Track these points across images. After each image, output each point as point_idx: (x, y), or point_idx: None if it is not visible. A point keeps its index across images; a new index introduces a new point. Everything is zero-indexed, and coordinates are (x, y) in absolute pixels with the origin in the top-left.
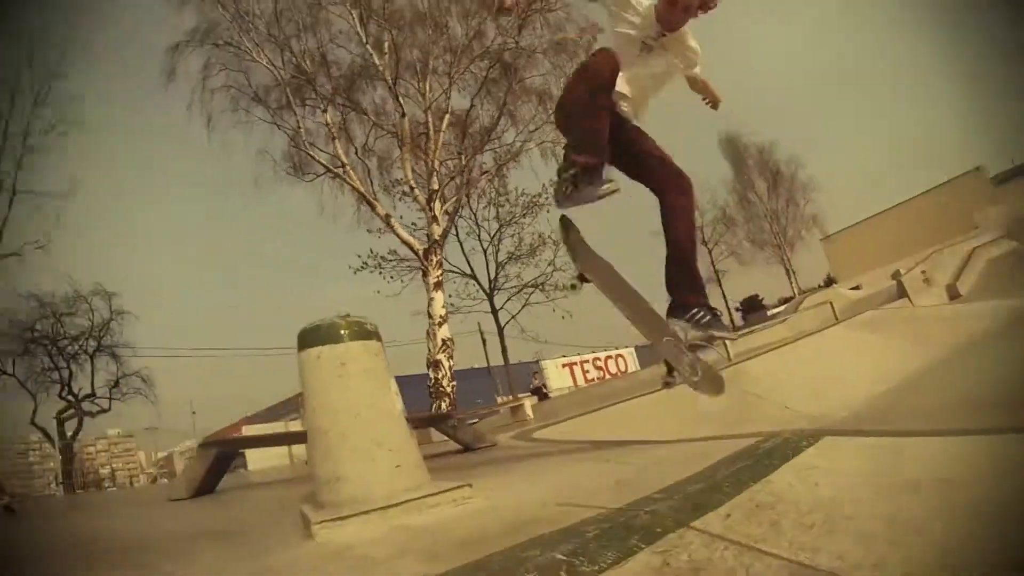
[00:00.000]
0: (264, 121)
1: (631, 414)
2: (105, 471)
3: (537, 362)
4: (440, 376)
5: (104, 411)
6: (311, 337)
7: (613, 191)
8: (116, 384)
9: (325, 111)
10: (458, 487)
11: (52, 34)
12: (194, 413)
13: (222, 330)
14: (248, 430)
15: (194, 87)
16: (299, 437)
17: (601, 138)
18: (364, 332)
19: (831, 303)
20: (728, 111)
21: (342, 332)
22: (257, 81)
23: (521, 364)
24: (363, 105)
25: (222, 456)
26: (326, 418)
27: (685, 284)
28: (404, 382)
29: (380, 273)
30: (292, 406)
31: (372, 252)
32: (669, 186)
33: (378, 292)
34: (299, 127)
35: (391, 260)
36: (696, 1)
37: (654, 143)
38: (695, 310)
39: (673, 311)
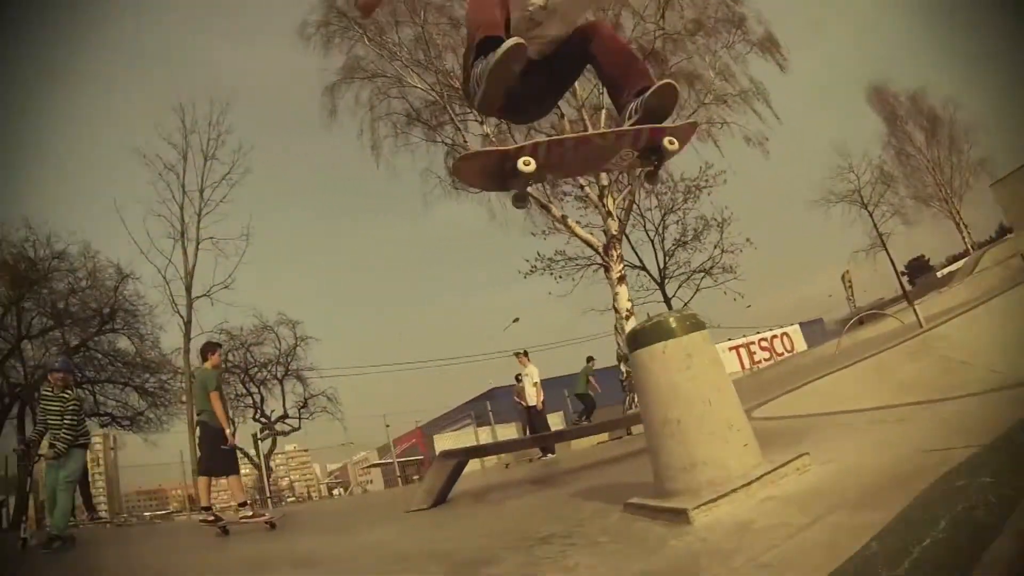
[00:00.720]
0: (426, 141)
1: (836, 388)
2: (284, 483)
3: None
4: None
5: (295, 430)
6: (652, 334)
7: None
8: (304, 404)
9: (482, 122)
10: (797, 457)
11: (216, 94)
12: (388, 426)
13: (398, 346)
14: (441, 440)
15: (360, 118)
16: (551, 438)
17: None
18: (700, 324)
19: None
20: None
21: (685, 325)
22: (412, 104)
23: None
24: None
25: (459, 465)
26: (678, 408)
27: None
28: (599, 375)
29: (551, 274)
30: (466, 412)
31: (539, 255)
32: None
33: (550, 293)
34: (464, 140)
35: (559, 261)
36: None
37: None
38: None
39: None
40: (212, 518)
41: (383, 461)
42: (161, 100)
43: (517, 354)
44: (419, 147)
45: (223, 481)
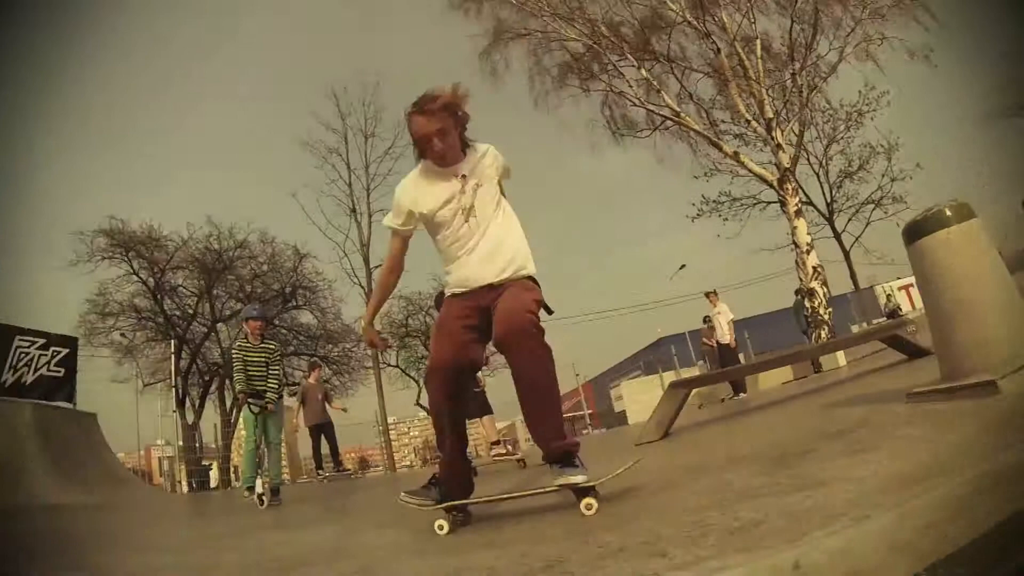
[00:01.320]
0: (582, 91)
1: None
2: None
3: (871, 288)
4: (816, 304)
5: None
6: (934, 222)
7: None
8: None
9: (639, 67)
10: None
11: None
12: (577, 375)
13: (572, 298)
14: (627, 388)
15: (516, 75)
16: (792, 357)
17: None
18: (972, 212)
19: None
20: None
21: (962, 212)
22: (566, 55)
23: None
24: (668, 54)
25: (685, 397)
26: (968, 289)
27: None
28: (767, 320)
29: (719, 216)
30: (636, 362)
31: (704, 198)
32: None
33: (718, 236)
34: (631, 86)
35: (723, 202)
36: (433, 126)
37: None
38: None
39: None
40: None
41: None
42: (316, 88)
43: (707, 294)
44: (581, 99)
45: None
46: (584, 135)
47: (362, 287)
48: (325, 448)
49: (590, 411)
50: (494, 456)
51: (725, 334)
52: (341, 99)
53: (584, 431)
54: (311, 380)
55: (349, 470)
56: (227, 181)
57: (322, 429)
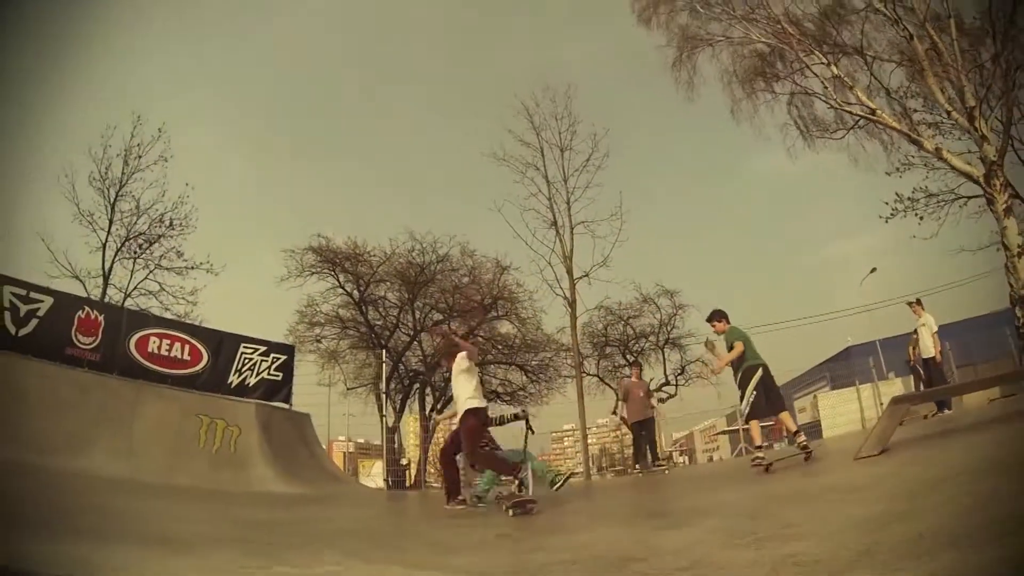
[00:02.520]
0: (768, 92)
1: None
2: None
3: None
4: None
5: (671, 397)
6: None
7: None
8: (682, 371)
9: (829, 64)
10: None
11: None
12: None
13: (756, 304)
14: (823, 399)
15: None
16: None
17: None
18: None
19: None
20: None
21: None
22: (749, 62)
23: None
24: (859, 46)
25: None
26: None
27: None
28: (968, 326)
29: (915, 214)
30: (820, 373)
31: (899, 195)
32: None
33: (913, 237)
34: (823, 84)
35: (919, 199)
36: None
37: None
38: None
39: None
40: (762, 456)
41: (732, 428)
42: (506, 105)
43: (911, 303)
44: (775, 104)
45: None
46: (778, 139)
47: (565, 298)
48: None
49: (771, 422)
50: (801, 446)
51: (930, 348)
52: (534, 114)
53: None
54: (633, 378)
55: (664, 465)
56: (427, 196)
57: (643, 425)
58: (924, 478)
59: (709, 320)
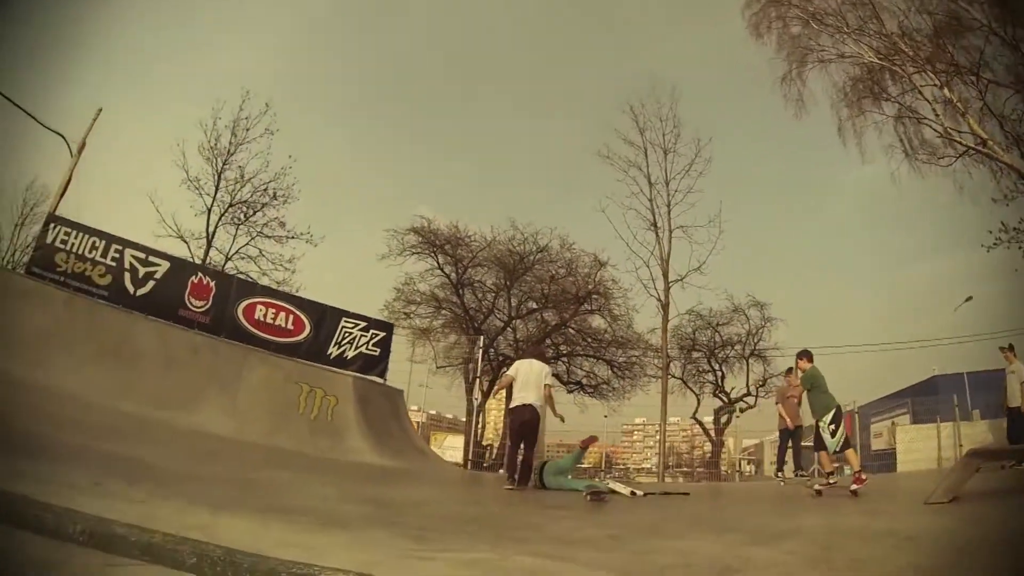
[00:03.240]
0: (876, 113)
1: None
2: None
3: None
4: None
5: (751, 407)
6: None
7: None
8: (764, 383)
9: (942, 87)
10: None
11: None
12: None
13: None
14: (902, 431)
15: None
16: None
17: None
18: None
19: None
20: None
21: None
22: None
23: None
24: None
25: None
26: None
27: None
28: None
29: (1019, 247)
30: (902, 399)
31: (1004, 225)
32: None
33: (1016, 271)
34: (932, 107)
35: None
36: None
37: None
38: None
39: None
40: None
41: (804, 444)
42: (611, 104)
43: (1002, 348)
44: (883, 123)
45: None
46: (883, 161)
47: (658, 299)
48: None
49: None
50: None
51: (1017, 397)
52: (639, 114)
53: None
54: (789, 383)
55: (807, 475)
56: (529, 190)
57: (794, 432)
58: (984, 537)
59: (798, 356)
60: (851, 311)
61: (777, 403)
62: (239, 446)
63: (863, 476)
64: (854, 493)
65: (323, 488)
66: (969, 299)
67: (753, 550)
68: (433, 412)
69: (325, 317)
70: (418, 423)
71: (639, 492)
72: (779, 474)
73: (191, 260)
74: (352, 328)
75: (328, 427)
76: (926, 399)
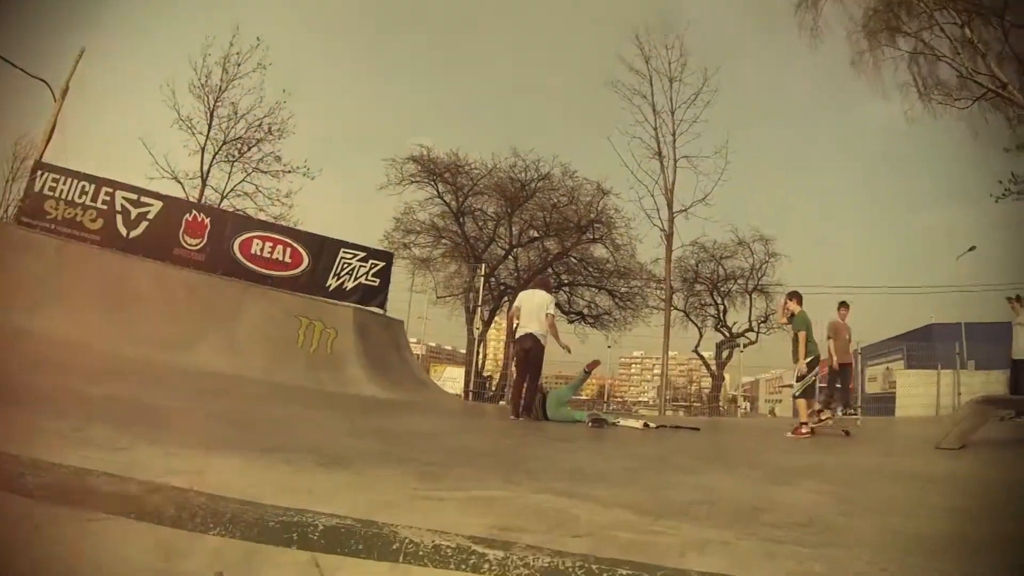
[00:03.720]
0: (900, 50)
1: None
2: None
3: None
4: None
5: (752, 343)
6: None
7: None
8: (765, 320)
9: (965, 25)
10: None
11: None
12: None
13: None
14: (902, 375)
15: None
16: None
17: None
18: None
19: None
20: None
21: None
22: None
23: None
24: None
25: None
26: None
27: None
28: None
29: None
30: (897, 345)
31: (1014, 176)
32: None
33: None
34: (954, 48)
35: None
36: None
37: None
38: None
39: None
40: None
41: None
42: (616, 31)
43: (1009, 299)
44: (899, 59)
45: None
46: (896, 99)
47: (661, 229)
48: None
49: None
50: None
51: (1022, 349)
52: (644, 41)
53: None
54: (841, 319)
55: (855, 414)
56: (531, 114)
57: (843, 370)
58: (1003, 481)
59: (788, 297)
60: (851, 253)
61: (828, 338)
62: (238, 383)
63: (803, 429)
64: (796, 434)
65: (322, 424)
66: (972, 248)
67: (774, 489)
68: (432, 344)
69: (323, 248)
70: (418, 355)
71: (652, 424)
72: (822, 414)
73: (185, 199)
74: (351, 259)
75: (328, 360)
76: (921, 346)
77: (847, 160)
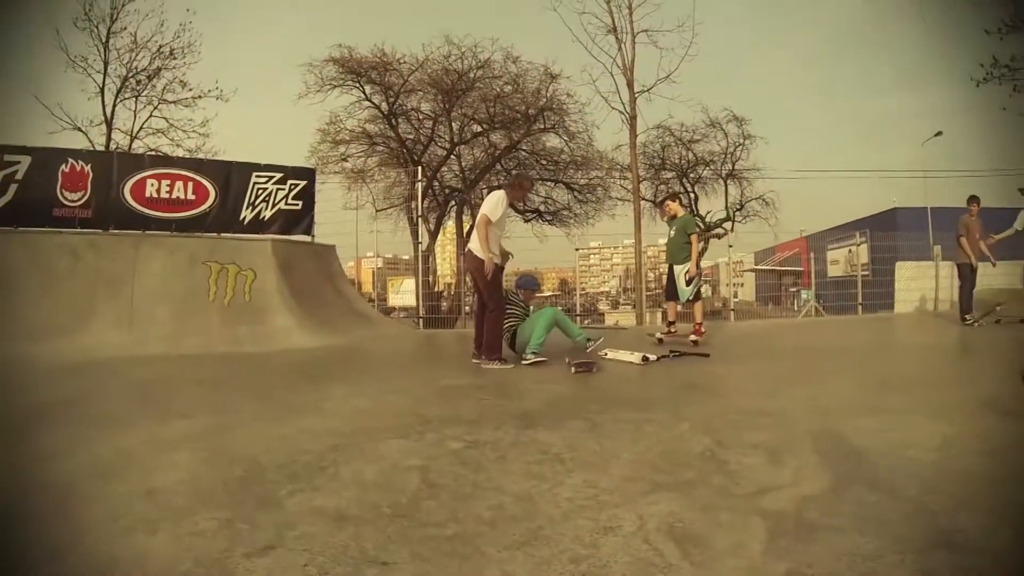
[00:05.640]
0: None
1: None
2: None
3: None
4: None
5: (728, 233)
6: None
7: None
8: (741, 207)
9: None
10: None
11: None
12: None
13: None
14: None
15: None
16: None
17: None
18: None
19: None
20: None
21: None
22: None
23: None
24: None
25: None
26: None
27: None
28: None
29: (1012, 84)
30: (860, 227)
31: (996, 60)
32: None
33: (1004, 109)
34: None
35: (1021, 68)
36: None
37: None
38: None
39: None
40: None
41: (761, 267)
42: None
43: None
44: None
45: None
46: None
47: (623, 113)
48: None
49: (801, 269)
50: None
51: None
52: None
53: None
54: (973, 215)
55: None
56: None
57: (973, 271)
58: None
59: (668, 198)
60: (816, 136)
61: (960, 236)
62: (129, 367)
63: (703, 328)
64: (695, 343)
65: (222, 419)
66: (939, 134)
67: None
68: (390, 256)
69: (232, 176)
70: (374, 270)
71: (651, 357)
72: (966, 318)
73: (56, 148)
74: (266, 183)
75: (246, 310)
76: (884, 232)
77: (815, 40)
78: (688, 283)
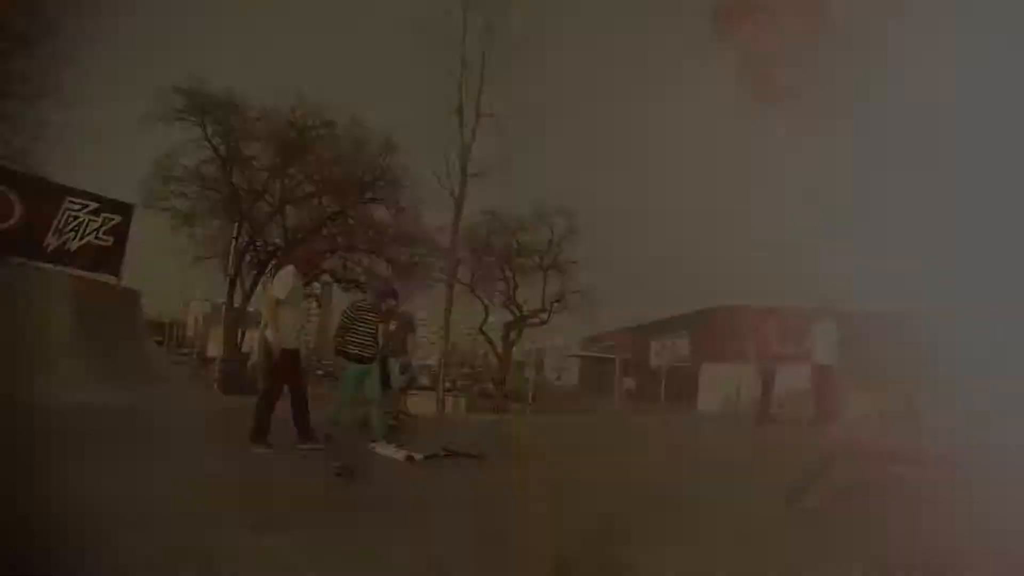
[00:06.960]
0: None
1: None
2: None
3: None
4: None
5: (544, 323)
6: None
7: None
8: (559, 300)
9: None
10: None
11: None
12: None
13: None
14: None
15: None
16: None
17: None
18: None
19: None
20: None
21: None
22: None
23: None
24: None
25: None
26: None
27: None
28: None
29: None
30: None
31: None
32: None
33: None
34: None
35: None
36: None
37: None
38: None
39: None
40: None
41: (585, 353)
42: None
43: None
44: None
45: None
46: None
47: (452, 193)
48: None
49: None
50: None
51: None
52: None
53: None
54: None
55: None
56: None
57: None
58: None
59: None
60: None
61: None
62: None
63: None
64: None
65: None
66: None
67: None
68: (221, 301)
69: (42, 195)
70: (200, 315)
71: (416, 456)
72: None
73: None
74: (79, 211)
75: (30, 355)
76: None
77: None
78: (402, 372)
